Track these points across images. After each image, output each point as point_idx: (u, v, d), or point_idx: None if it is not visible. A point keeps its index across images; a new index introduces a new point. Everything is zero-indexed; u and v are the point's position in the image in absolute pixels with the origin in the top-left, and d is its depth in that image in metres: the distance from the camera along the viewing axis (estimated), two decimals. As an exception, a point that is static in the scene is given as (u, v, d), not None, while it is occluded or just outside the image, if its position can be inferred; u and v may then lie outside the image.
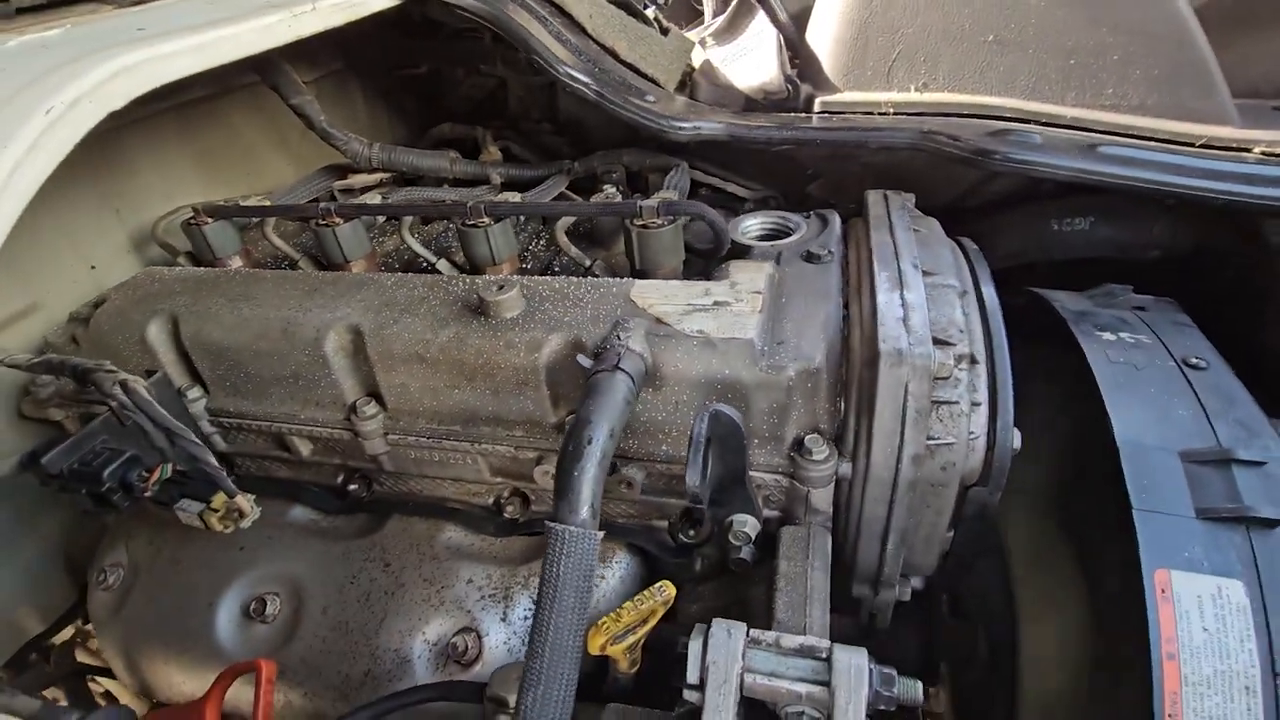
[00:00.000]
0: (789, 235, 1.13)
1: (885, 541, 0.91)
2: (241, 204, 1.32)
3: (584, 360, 0.83)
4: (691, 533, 0.99)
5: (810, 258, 1.02)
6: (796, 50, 1.28)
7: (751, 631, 0.74)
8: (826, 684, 0.68)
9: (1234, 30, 1.27)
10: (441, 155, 1.43)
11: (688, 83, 1.40)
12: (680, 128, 1.20)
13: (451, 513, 1.08)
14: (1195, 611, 0.70)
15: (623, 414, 0.78)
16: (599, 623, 0.70)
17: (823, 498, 0.87)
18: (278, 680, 1.00)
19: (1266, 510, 0.73)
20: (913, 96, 1.22)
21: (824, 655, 0.71)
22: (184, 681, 1.05)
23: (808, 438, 0.85)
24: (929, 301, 0.88)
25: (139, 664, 1.08)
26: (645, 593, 0.74)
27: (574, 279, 1.00)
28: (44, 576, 1.30)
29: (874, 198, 1.15)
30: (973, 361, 0.85)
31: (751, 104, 1.31)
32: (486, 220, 1.11)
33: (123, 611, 1.10)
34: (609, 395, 0.77)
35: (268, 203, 1.38)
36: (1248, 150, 1.10)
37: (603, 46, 1.29)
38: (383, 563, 1.04)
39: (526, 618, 0.98)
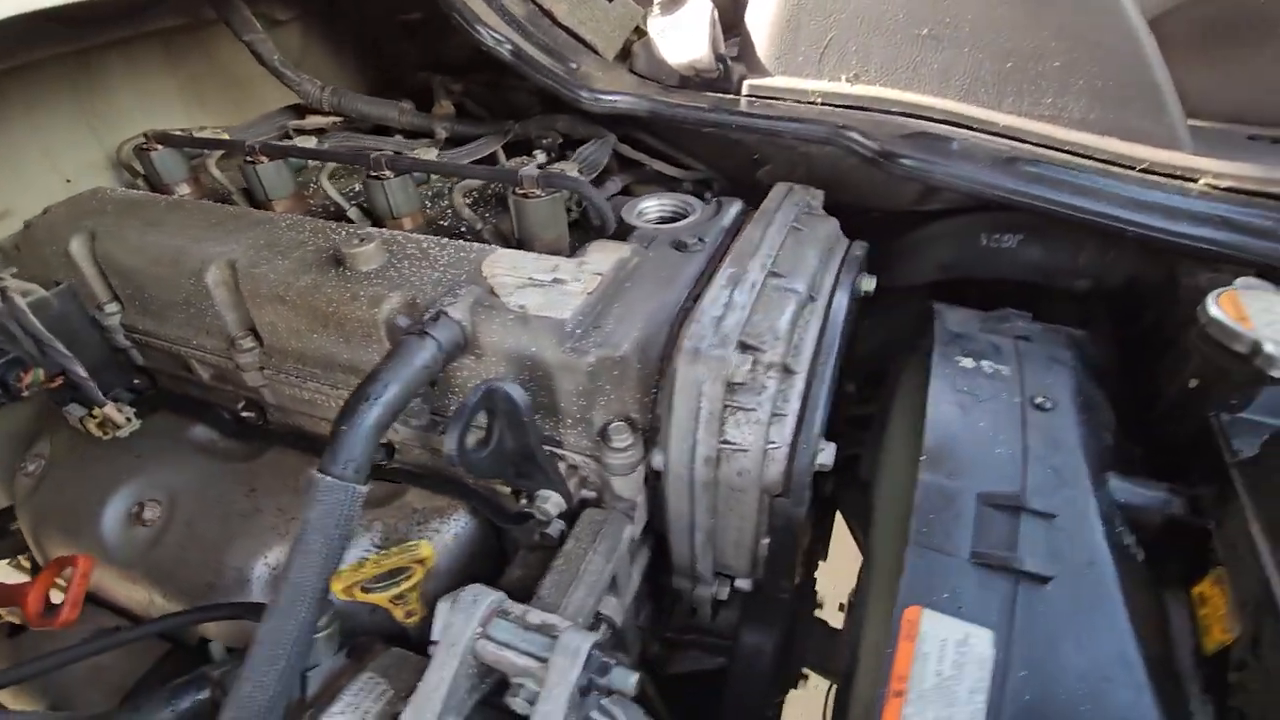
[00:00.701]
0: (685, 219, 1.11)
1: (693, 538, 0.91)
2: (194, 135, 1.39)
3: (401, 320, 0.85)
4: (524, 502, 1.01)
5: (679, 245, 1.00)
6: (736, 28, 1.23)
7: (505, 603, 0.77)
8: (546, 660, 0.70)
9: (1213, 48, 1.14)
10: (391, 104, 1.46)
11: (629, 53, 1.37)
12: (598, 99, 1.18)
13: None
14: (935, 654, 0.68)
15: (417, 378, 0.80)
16: (341, 569, 0.74)
17: (625, 486, 0.87)
18: (144, 578, 1.09)
19: (1033, 564, 0.69)
20: (842, 88, 1.15)
21: (556, 634, 0.72)
22: (75, 566, 1.15)
23: (612, 425, 0.85)
24: (759, 304, 0.86)
25: (43, 545, 1.20)
26: (396, 548, 0.77)
27: (442, 240, 1.02)
28: (10, 456, 1.45)
29: (776, 191, 1.11)
30: (786, 371, 0.83)
31: (685, 81, 1.27)
32: (387, 174, 1.13)
33: (34, 497, 1.21)
34: (405, 358, 0.79)
35: (224, 135, 1.44)
36: (1192, 180, 1.01)
37: (540, 8, 1.27)
38: (249, 488, 1.11)
39: (364, 556, 1.03)
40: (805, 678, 1.34)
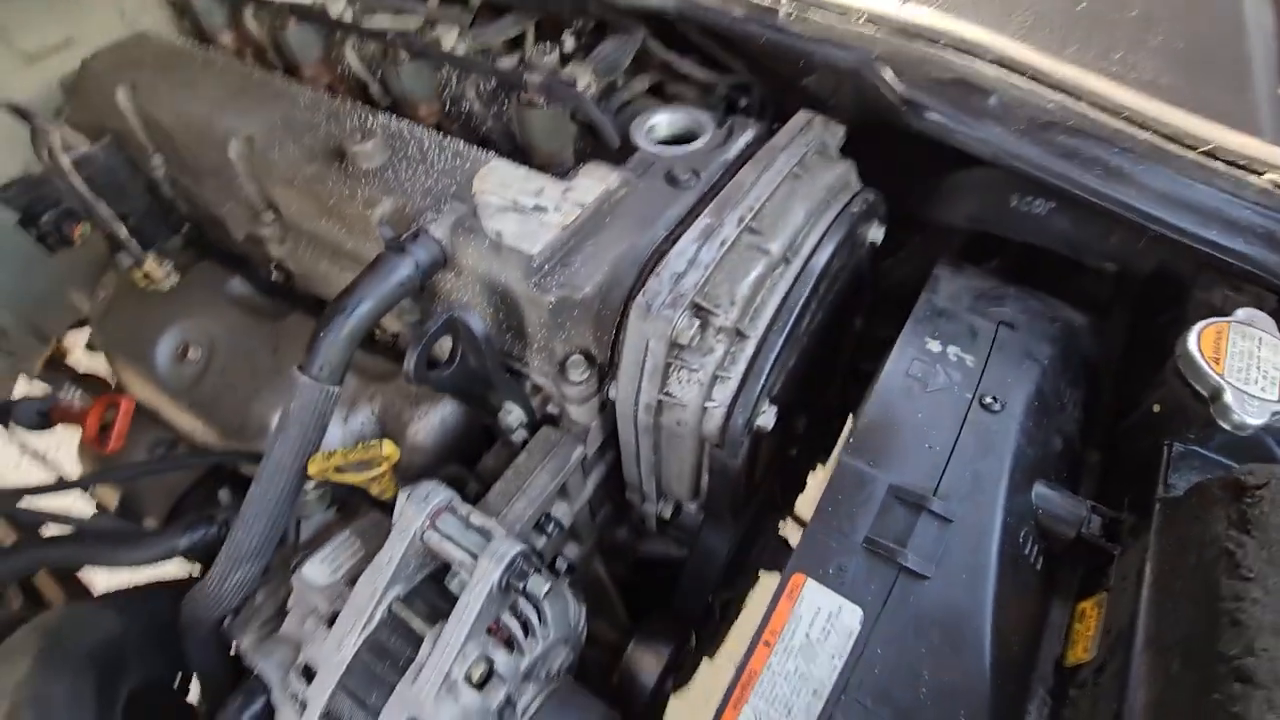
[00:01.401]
0: (693, 140, 1.07)
1: (639, 465, 0.99)
2: (231, -20, 1.37)
3: (385, 231, 0.90)
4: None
5: (671, 179, 0.98)
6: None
7: (454, 502, 0.88)
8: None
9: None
10: (427, -42, 1.38)
11: (673, -70, 1.23)
12: (623, -9, 1.09)
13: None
14: (808, 618, 0.76)
15: (393, 293, 0.86)
16: (316, 455, 0.86)
17: (581, 413, 0.94)
18: (190, 409, 1.27)
19: (915, 562, 0.74)
20: (891, 7, 1.03)
21: (490, 538, 0.84)
22: (137, 388, 1.35)
23: (571, 359, 0.90)
24: (726, 262, 0.86)
25: (114, 363, 1.40)
26: (363, 445, 0.88)
27: (444, 141, 1.03)
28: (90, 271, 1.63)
29: (792, 123, 1.05)
30: (738, 335, 0.84)
31: (725, -27, 1.15)
32: (403, 56, 1.12)
33: (105, 322, 1.39)
34: (382, 274, 0.85)
35: (263, -19, 1.42)
36: (1256, 173, 0.89)
37: None
38: (272, 347, 1.25)
39: (363, 425, 1.17)
40: (758, 578, 1.48)
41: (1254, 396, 0.70)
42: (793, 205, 0.93)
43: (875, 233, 1.07)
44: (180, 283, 1.33)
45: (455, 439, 1.16)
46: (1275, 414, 0.70)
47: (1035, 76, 0.97)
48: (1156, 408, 0.81)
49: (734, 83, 1.31)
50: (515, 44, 1.33)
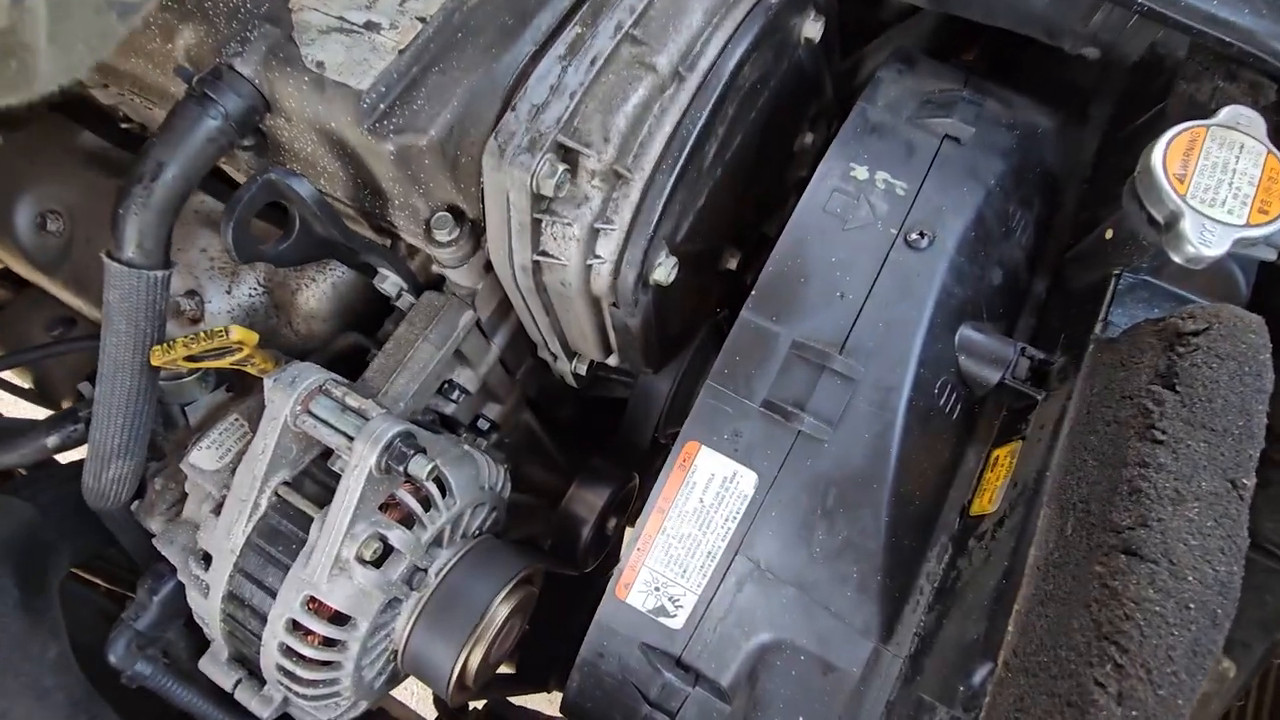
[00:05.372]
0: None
1: (536, 325, 0.90)
2: None
3: (181, 73, 0.73)
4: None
5: (542, -32, 0.77)
6: None
7: (328, 384, 0.81)
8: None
9: None
10: None
11: None
12: None
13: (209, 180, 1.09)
14: (702, 485, 0.72)
15: (203, 152, 0.71)
16: (157, 346, 0.77)
17: (461, 275, 0.84)
18: (66, 287, 1.16)
19: (812, 426, 0.68)
20: None
21: (368, 418, 0.78)
22: (7, 259, 1.23)
23: (435, 217, 0.77)
24: (599, 87, 0.69)
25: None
26: (205, 333, 0.78)
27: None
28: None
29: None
30: (618, 177, 0.71)
31: None
32: None
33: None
34: (180, 131, 0.70)
35: None
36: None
37: None
38: (137, 210, 1.10)
39: (250, 294, 1.07)
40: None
41: (1217, 221, 0.58)
42: (688, 2, 0.73)
43: (811, 27, 0.88)
44: (25, 141, 1.16)
45: (354, 303, 1.07)
46: (1240, 240, 0.58)
47: None
48: (1109, 233, 0.69)
49: None
50: None
